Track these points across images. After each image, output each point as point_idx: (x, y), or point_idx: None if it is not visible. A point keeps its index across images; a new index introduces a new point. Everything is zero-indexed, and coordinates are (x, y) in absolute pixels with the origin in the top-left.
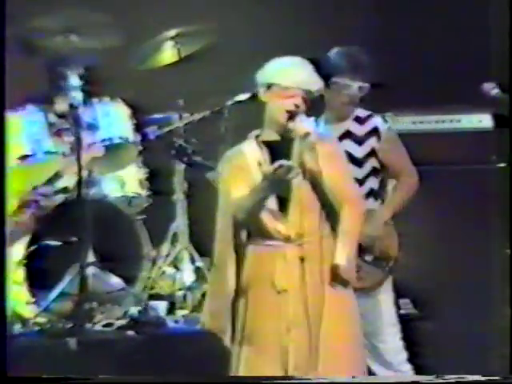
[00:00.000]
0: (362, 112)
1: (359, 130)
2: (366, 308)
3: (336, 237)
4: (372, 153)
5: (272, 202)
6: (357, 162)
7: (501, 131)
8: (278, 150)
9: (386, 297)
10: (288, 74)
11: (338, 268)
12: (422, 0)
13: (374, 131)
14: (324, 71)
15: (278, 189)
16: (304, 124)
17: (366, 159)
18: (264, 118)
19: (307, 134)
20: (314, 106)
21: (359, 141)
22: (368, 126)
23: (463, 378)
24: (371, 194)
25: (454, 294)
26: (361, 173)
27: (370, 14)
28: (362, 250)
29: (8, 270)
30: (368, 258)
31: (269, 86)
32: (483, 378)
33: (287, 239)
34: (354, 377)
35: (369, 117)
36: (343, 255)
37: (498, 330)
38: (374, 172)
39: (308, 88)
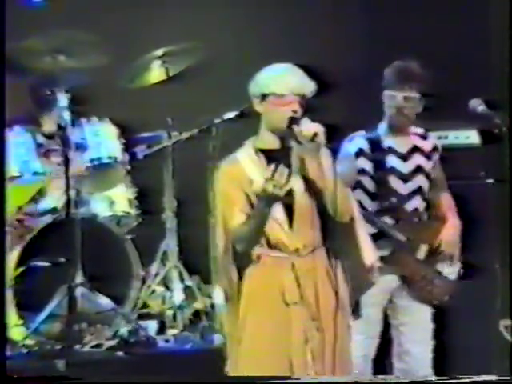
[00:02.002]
0: (418, 129)
1: (425, 146)
2: (414, 317)
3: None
4: (433, 168)
5: (279, 213)
6: (427, 176)
7: (488, 147)
8: (275, 158)
9: (429, 308)
10: (281, 82)
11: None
12: (408, 16)
13: (436, 148)
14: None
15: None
16: (311, 126)
17: (431, 174)
18: (259, 128)
19: (315, 135)
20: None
21: (427, 156)
22: (430, 143)
23: (472, 378)
24: (428, 208)
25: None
26: (428, 186)
27: (355, 29)
28: (438, 261)
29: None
30: (444, 269)
31: (263, 96)
32: (494, 378)
33: (296, 251)
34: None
35: (427, 133)
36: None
37: (496, 344)
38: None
39: (302, 92)
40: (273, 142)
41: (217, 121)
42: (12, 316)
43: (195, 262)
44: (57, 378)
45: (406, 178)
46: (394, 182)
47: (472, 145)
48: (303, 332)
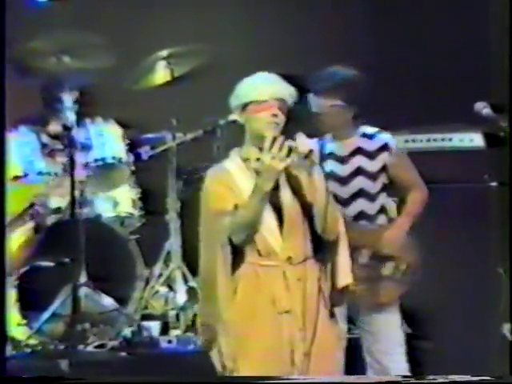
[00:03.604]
0: (368, 128)
1: (370, 146)
2: (377, 326)
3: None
4: (383, 168)
5: (270, 221)
6: (371, 176)
7: (492, 150)
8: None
9: (395, 315)
10: (260, 88)
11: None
12: (409, 20)
13: (385, 147)
14: (312, 91)
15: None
16: (306, 142)
17: (378, 174)
18: (244, 139)
19: (311, 152)
20: (291, 116)
21: (371, 156)
22: (378, 142)
23: (462, 377)
24: (382, 210)
25: (445, 312)
26: (375, 188)
27: (361, 32)
28: (381, 263)
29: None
30: (387, 271)
31: (244, 106)
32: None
33: (287, 260)
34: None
35: (377, 133)
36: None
37: (494, 349)
38: (384, 188)
39: (281, 97)
40: (257, 153)
41: (221, 122)
42: (15, 315)
43: (199, 263)
44: (57, 379)
45: (344, 181)
46: (332, 187)
47: (476, 148)
48: (290, 341)
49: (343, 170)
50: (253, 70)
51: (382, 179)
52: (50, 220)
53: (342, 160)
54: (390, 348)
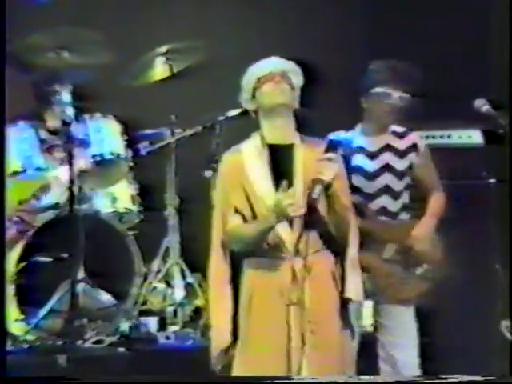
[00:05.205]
0: (398, 127)
1: (399, 144)
2: (394, 320)
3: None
4: (410, 167)
5: None
6: (398, 174)
7: (491, 147)
8: (279, 152)
9: (411, 310)
10: (262, 66)
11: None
12: (409, 16)
13: (414, 146)
14: (365, 83)
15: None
16: (331, 169)
17: (405, 173)
18: (260, 124)
19: (334, 177)
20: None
21: (400, 154)
22: (408, 141)
23: (463, 378)
24: (405, 208)
25: (444, 309)
26: (400, 185)
27: (360, 29)
28: (411, 263)
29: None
30: (417, 270)
31: (252, 94)
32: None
33: (296, 251)
34: (350, 376)
35: (407, 132)
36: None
37: (495, 345)
38: (408, 187)
39: (283, 69)
40: (275, 137)
41: (220, 118)
42: (13, 311)
43: (197, 259)
44: (57, 378)
45: (371, 177)
46: (358, 181)
47: (475, 144)
48: (300, 333)
49: (371, 166)
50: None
51: (407, 178)
52: (43, 218)
53: (371, 155)
54: (403, 342)
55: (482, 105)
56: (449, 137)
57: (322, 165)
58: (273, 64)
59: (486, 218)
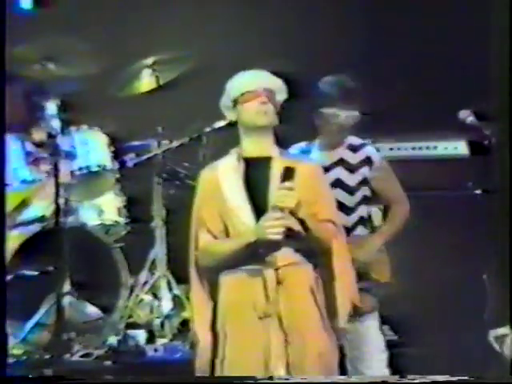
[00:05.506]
0: (355, 140)
1: (352, 158)
2: (354, 333)
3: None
4: (364, 181)
5: (252, 225)
6: (349, 189)
7: (476, 158)
8: (255, 166)
9: (373, 323)
10: (248, 80)
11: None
12: (396, 29)
13: (367, 160)
14: (314, 101)
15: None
16: (292, 195)
17: (357, 187)
18: (240, 137)
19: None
20: (283, 111)
21: (352, 169)
22: (361, 155)
23: (451, 378)
24: (361, 222)
25: (430, 319)
26: (352, 200)
27: (352, 39)
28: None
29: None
30: (361, 285)
31: (235, 102)
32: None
33: (267, 263)
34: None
35: (362, 145)
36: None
37: (482, 355)
38: (364, 200)
39: (269, 87)
40: (253, 150)
41: (207, 129)
42: None
43: (184, 271)
44: (57, 378)
45: None
46: None
47: (460, 155)
48: (276, 345)
49: None
50: None
51: (363, 192)
52: (30, 231)
53: (324, 170)
54: (366, 355)
55: (467, 116)
56: (435, 148)
57: (282, 194)
58: (261, 79)
59: (472, 229)
